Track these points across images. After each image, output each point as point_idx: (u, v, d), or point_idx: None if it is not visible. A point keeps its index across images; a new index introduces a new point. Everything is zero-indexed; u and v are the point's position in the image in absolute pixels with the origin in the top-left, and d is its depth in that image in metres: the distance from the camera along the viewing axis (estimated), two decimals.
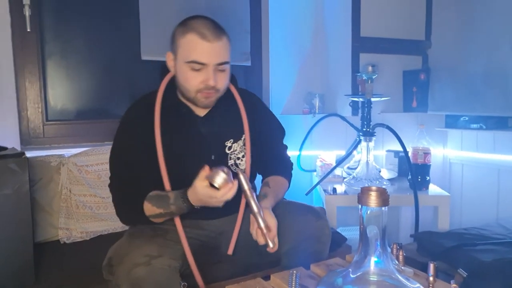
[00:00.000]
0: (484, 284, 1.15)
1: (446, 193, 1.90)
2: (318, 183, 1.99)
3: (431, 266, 0.89)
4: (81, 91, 1.96)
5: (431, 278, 0.90)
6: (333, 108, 2.42)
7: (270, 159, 1.32)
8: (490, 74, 2.05)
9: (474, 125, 2.19)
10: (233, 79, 1.26)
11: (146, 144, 1.14)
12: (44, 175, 1.60)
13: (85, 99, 1.97)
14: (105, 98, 2.02)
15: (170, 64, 1.18)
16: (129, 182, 1.15)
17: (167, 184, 1.13)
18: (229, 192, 1.00)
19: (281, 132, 1.39)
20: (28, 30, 1.74)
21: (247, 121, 1.23)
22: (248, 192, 1.03)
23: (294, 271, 0.80)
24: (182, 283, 0.79)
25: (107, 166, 1.65)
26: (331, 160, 2.14)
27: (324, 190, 1.91)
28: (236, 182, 1.01)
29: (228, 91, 1.23)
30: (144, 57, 1.97)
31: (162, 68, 1.23)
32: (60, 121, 1.89)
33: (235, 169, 1.20)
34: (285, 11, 2.38)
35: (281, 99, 2.38)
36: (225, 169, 0.99)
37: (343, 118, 2.24)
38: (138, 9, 1.94)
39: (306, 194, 2.00)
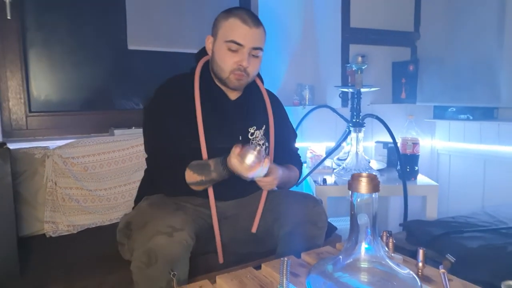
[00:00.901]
0: (471, 270, 1.16)
1: (434, 183, 1.92)
2: (308, 174, 1.99)
3: (420, 252, 0.90)
4: (66, 81, 1.91)
5: (420, 264, 0.90)
6: (323, 100, 2.42)
7: (284, 154, 1.37)
8: (477, 66, 2.08)
9: (462, 116, 2.21)
10: (260, 77, 1.38)
11: (184, 115, 1.20)
12: (28, 168, 1.56)
13: (70, 90, 1.92)
14: (90, 89, 1.97)
15: (208, 46, 1.27)
16: (170, 150, 1.19)
17: (205, 154, 1.18)
18: (256, 172, 1.06)
19: (294, 134, 1.49)
20: (9, 17, 1.69)
21: (271, 111, 1.33)
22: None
23: (285, 259, 0.79)
24: (172, 273, 0.78)
25: (94, 158, 1.66)
26: (321, 151, 2.14)
27: (315, 181, 1.91)
28: (266, 161, 1.07)
29: (255, 85, 1.34)
30: (131, 46, 1.94)
31: (197, 54, 1.32)
32: (44, 113, 1.84)
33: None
34: (275, 2, 2.36)
35: (271, 90, 2.36)
36: (257, 148, 1.06)
37: (333, 109, 2.24)
38: None
39: (297, 185, 1.99)
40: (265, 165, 1.06)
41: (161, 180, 1.23)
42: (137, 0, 1.93)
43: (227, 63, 1.20)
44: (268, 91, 1.40)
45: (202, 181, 1.14)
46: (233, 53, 1.19)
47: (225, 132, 1.24)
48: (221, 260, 1.21)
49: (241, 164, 1.05)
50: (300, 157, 1.48)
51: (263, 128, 1.32)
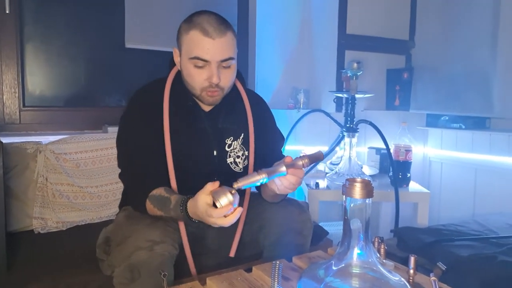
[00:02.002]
0: (461, 278, 1.17)
1: (426, 190, 1.93)
2: None
3: (412, 259, 0.90)
4: (61, 77, 1.89)
5: (411, 271, 0.90)
6: (317, 104, 2.43)
7: (272, 160, 1.22)
8: (470, 76, 2.10)
9: (454, 125, 2.24)
10: (240, 78, 1.26)
11: (155, 130, 1.12)
12: (20, 162, 1.54)
13: (65, 85, 1.91)
14: (86, 86, 1.96)
15: (176, 60, 1.17)
16: (138, 170, 1.11)
17: (171, 174, 1.10)
18: (227, 218, 0.90)
19: (281, 141, 1.36)
20: (7, 11, 1.68)
21: (252, 120, 1.23)
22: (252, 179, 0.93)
23: (277, 262, 0.79)
24: (163, 273, 0.77)
25: (87, 155, 1.65)
26: None
27: (307, 185, 1.92)
28: (238, 209, 0.91)
29: (236, 90, 1.23)
30: (128, 45, 1.93)
31: (170, 61, 1.22)
32: (38, 107, 1.82)
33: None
34: (273, 5, 2.37)
35: (267, 93, 2.37)
36: (233, 191, 0.89)
37: (327, 114, 2.25)
38: None
39: None
40: (236, 214, 0.90)
41: (130, 203, 1.19)
42: (137, 0, 1.92)
43: (196, 81, 1.11)
44: (250, 92, 1.29)
45: (161, 216, 1.05)
46: (200, 69, 1.09)
47: (198, 148, 1.17)
48: (193, 271, 1.13)
49: (208, 206, 0.89)
50: None
51: (241, 137, 1.23)
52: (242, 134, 1.24)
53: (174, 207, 1.00)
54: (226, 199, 0.87)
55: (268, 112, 1.34)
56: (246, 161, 1.24)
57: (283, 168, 0.97)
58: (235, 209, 0.89)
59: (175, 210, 1.00)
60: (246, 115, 1.23)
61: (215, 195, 0.88)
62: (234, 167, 1.23)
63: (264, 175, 0.93)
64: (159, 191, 1.06)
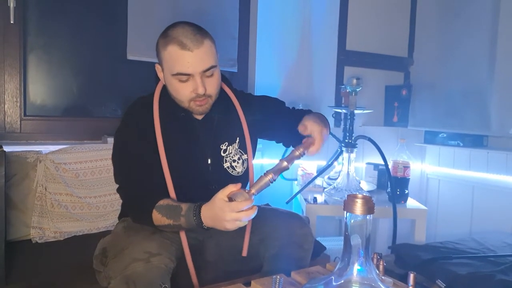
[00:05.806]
0: None
1: (424, 207, 1.94)
2: (299, 192, 2.00)
3: (411, 276, 0.90)
4: (63, 87, 1.91)
5: None
6: None
7: (290, 131, 1.23)
8: (468, 93, 2.12)
9: (452, 142, 2.25)
10: (226, 81, 1.27)
11: (150, 144, 1.13)
12: (19, 171, 1.54)
13: (66, 95, 1.92)
14: (87, 96, 1.97)
15: (160, 75, 1.18)
16: (137, 185, 1.12)
17: (170, 186, 1.11)
18: (243, 212, 0.95)
19: (281, 104, 1.37)
20: (12, 22, 1.69)
21: (246, 123, 1.24)
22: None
23: (278, 277, 0.80)
24: (163, 286, 0.77)
25: (86, 165, 1.65)
26: (312, 169, 2.15)
27: (305, 199, 1.92)
28: (254, 208, 0.97)
29: (225, 94, 1.24)
30: (130, 56, 1.95)
31: (156, 75, 1.22)
32: (39, 117, 1.83)
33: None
34: (273, 20, 2.40)
35: None
36: (251, 192, 0.98)
37: None
38: (126, 8, 1.92)
39: (287, 203, 2.00)
40: (252, 211, 0.97)
41: (131, 215, 1.18)
42: (139, 12, 1.95)
43: (182, 95, 1.12)
44: (238, 93, 1.29)
45: (169, 225, 1.05)
46: (184, 83, 1.10)
47: (192, 157, 1.18)
48: (195, 280, 1.14)
49: (225, 201, 0.95)
50: (307, 110, 1.34)
51: (237, 141, 1.24)
52: (238, 138, 1.25)
53: (186, 213, 1.02)
54: (243, 196, 0.95)
55: (260, 102, 1.34)
56: (245, 164, 1.25)
57: (285, 164, 1.04)
58: (252, 207, 0.96)
59: (186, 217, 1.02)
60: (239, 118, 1.24)
61: (233, 196, 0.96)
62: (232, 171, 1.23)
63: (270, 175, 1.00)
64: (166, 201, 1.07)
